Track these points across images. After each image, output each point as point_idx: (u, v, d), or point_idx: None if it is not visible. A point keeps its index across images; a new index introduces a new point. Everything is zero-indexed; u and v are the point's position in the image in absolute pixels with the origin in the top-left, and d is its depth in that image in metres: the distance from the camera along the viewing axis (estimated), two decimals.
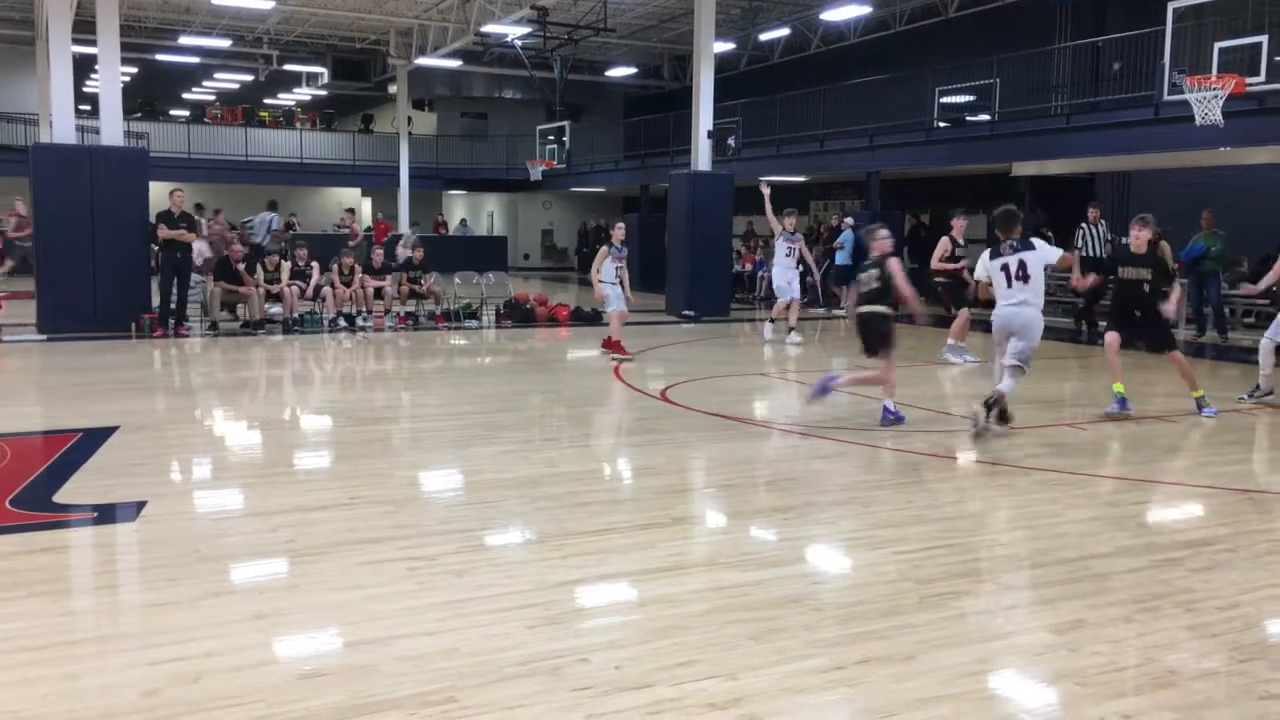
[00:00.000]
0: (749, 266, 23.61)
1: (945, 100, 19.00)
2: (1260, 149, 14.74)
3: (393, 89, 33.55)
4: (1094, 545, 5.27)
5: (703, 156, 18.36)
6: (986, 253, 8.27)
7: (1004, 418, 8.10)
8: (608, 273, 12.55)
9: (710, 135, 18.32)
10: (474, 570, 4.76)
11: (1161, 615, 4.31)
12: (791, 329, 14.51)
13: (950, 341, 12.42)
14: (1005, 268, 8.07)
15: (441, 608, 4.26)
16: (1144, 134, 15.13)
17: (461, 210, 37.53)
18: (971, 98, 18.69)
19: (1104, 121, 16.22)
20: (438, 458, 7.44)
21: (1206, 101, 11.67)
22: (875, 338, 8.54)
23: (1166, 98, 12.63)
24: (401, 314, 16.20)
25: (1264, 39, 11.27)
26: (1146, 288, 8.94)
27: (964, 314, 12.35)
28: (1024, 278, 7.97)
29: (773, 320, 15.09)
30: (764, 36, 27.17)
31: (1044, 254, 8.06)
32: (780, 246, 14.54)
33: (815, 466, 7.35)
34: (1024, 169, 19.09)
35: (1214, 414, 9.06)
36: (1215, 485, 6.73)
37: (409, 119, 32.94)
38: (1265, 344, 9.68)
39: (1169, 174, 17.75)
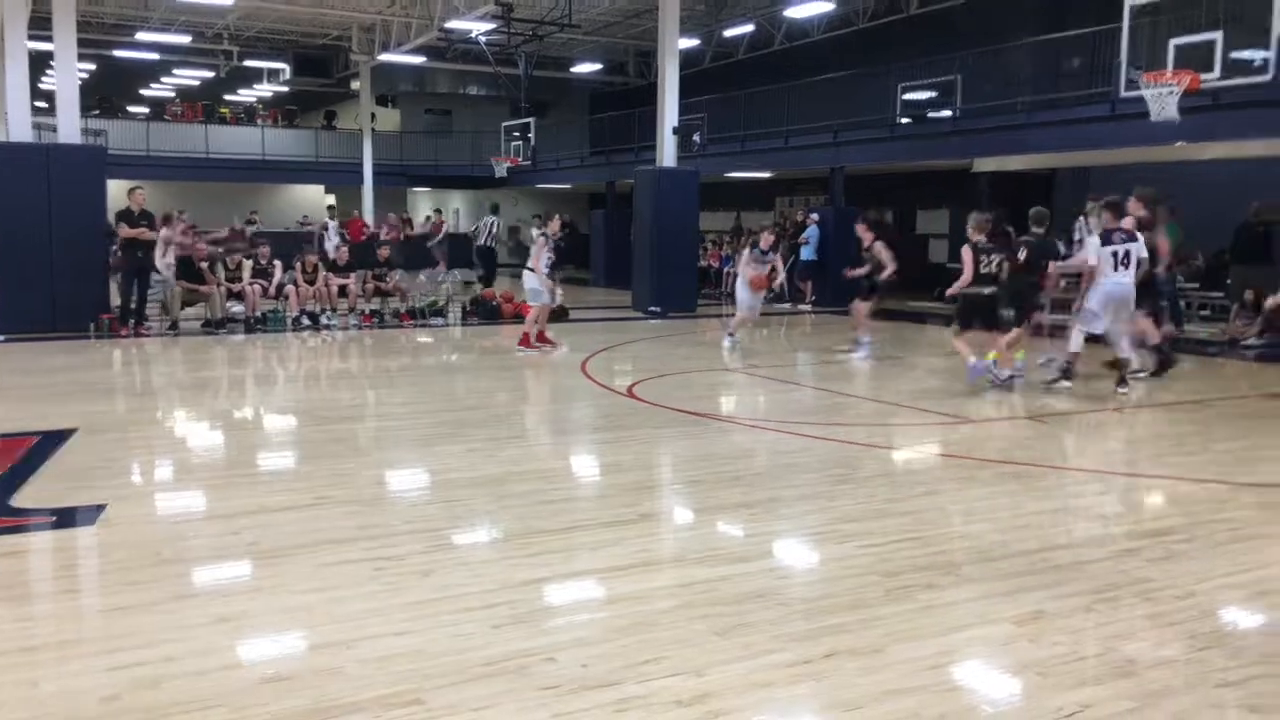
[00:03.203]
0: (714, 263, 23.67)
1: (908, 97, 19.12)
2: (1214, 144, 14.96)
3: (356, 85, 33.29)
4: (1055, 536, 5.34)
5: (668, 153, 18.37)
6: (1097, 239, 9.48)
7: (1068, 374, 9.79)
8: (544, 264, 12.73)
9: (675, 131, 18.33)
10: (440, 570, 4.74)
11: (1120, 605, 4.37)
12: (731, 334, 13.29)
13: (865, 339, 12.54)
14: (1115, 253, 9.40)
15: (407, 608, 4.24)
16: (1102, 130, 15.31)
17: (426, 207, 37.29)
18: (934, 94, 18.81)
19: (1063, 118, 16.38)
20: (403, 457, 7.40)
21: (1162, 98, 11.82)
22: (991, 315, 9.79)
23: (1124, 94, 12.78)
24: (366, 312, 16.08)
25: (1218, 35, 11.42)
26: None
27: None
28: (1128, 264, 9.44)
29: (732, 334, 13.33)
30: (728, 33, 27.23)
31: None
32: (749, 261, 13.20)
33: (781, 461, 7.39)
34: (985, 165, 19.25)
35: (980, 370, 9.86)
36: (1172, 475, 6.84)
37: (372, 115, 32.69)
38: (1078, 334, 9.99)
39: (1127, 169, 17.95)
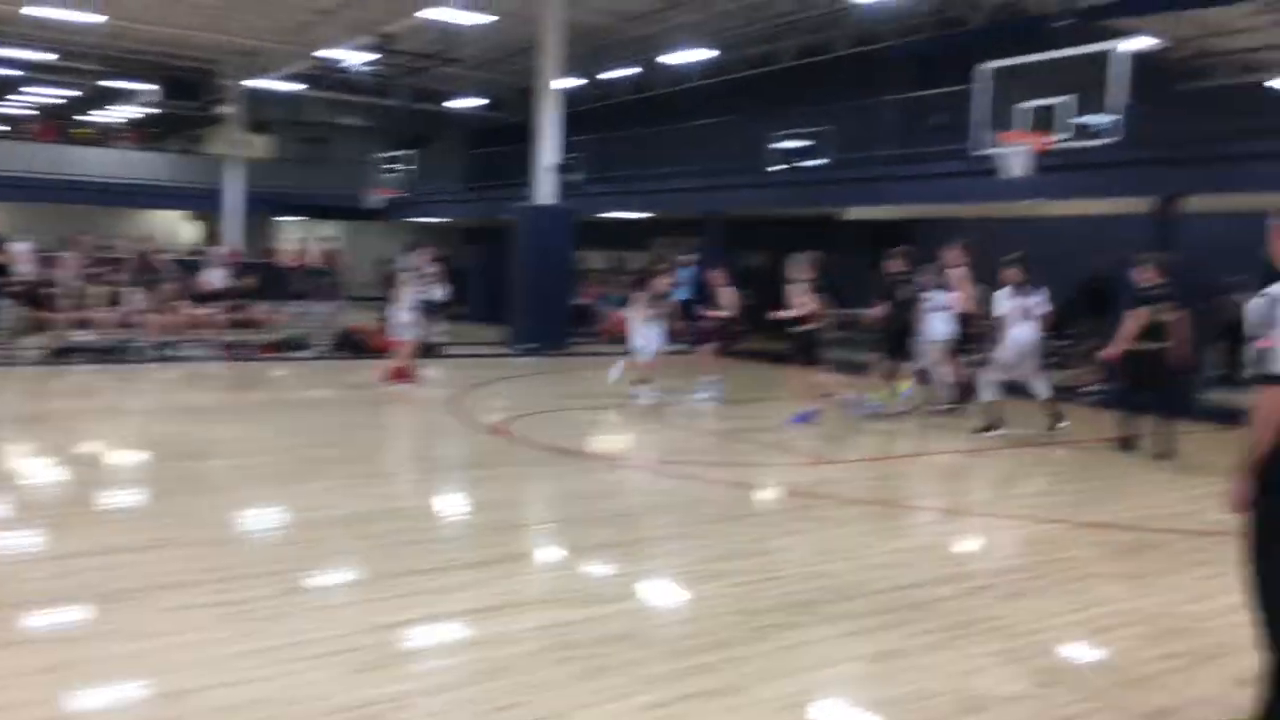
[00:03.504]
0: (591, 301, 23.74)
1: (781, 145, 19.65)
2: (1062, 203, 15.79)
3: (226, 109, 32.39)
4: (910, 575, 5.47)
5: (547, 191, 18.40)
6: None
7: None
8: (410, 299, 12.67)
9: (554, 170, 18.39)
10: (292, 614, 4.56)
11: (970, 642, 4.51)
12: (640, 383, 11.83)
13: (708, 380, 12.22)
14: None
15: (255, 655, 4.06)
16: (962, 184, 15.99)
17: (297, 237, 36.43)
18: (806, 143, 19.38)
19: (926, 171, 17.07)
20: (259, 495, 7.12)
21: (1015, 156, 12.46)
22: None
23: (980, 151, 13.41)
24: (225, 343, 15.51)
25: (1066, 99, 12.12)
26: None
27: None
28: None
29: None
30: (610, 75, 27.54)
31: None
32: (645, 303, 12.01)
33: (652, 500, 7.40)
34: (853, 213, 19.89)
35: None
36: (1020, 515, 7.13)
37: (243, 141, 31.85)
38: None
39: (983, 223, 18.79)
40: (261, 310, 16.12)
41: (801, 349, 10.81)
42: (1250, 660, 3.48)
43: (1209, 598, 5.19)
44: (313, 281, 20.71)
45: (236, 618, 4.45)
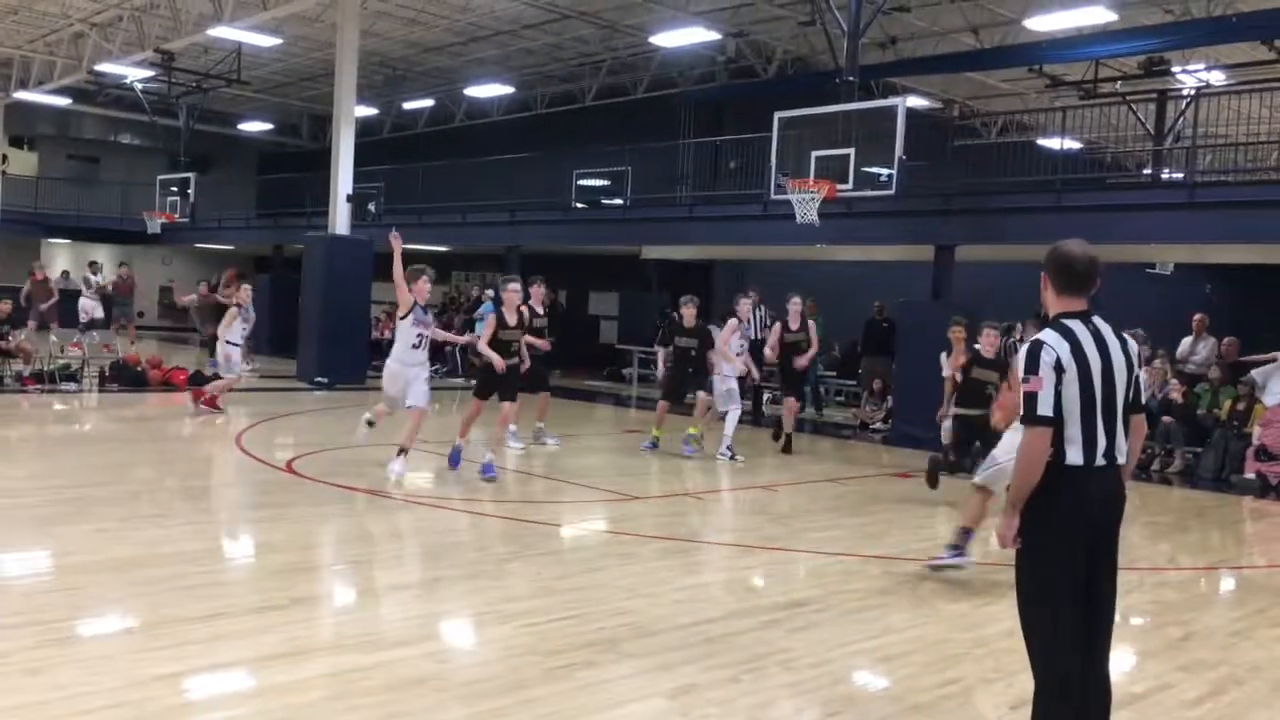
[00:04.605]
0: (387, 334, 23.16)
1: (582, 183, 19.89)
2: (849, 248, 16.68)
3: None
4: (706, 610, 5.57)
5: (341, 220, 17.87)
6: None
7: None
8: (236, 334, 12.60)
9: (350, 199, 17.89)
10: (52, 668, 4.18)
11: (763, 675, 4.61)
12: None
13: (513, 428, 10.70)
14: None
15: (12, 713, 3.69)
16: (755, 227, 16.63)
17: (64, 261, 33.89)
18: (606, 182, 19.70)
19: (721, 214, 17.66)
20: (15, 538, 6.50)
21: (805, 202, 13.06)
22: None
23: (773, 197, 13.99)
24: None
25: (851, 151, 12.83)
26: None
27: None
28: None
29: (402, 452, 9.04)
30: (408, 105, 27.17)
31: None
32: (406, 331, 9.16)
33: (447, 540, 7.24)
34: (652, 252, 20.32)
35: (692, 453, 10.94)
36: (810, 549, 7.39)
37: (4, 157, 29.49)
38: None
39: (776, 264, 19.60)
40: (20, 338, 14.85)
41: (493, 387, 9.46)
42: (1023, 684, 3.71)
43: (986, 625, 5.53)
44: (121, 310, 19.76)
45: None
